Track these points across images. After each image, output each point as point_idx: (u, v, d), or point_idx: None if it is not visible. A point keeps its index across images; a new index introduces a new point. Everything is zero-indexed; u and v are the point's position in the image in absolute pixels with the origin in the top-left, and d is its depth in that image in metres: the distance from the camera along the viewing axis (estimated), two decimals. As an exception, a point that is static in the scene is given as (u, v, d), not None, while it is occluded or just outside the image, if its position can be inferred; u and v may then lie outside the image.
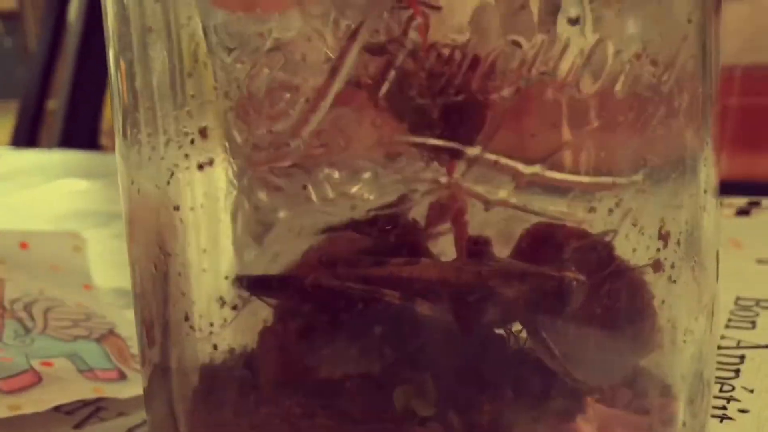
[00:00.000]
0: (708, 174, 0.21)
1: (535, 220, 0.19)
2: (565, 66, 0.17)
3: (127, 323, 0.42)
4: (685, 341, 0.21)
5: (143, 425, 0.36)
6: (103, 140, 1.12)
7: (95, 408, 0.37)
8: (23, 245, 0.48)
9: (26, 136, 1.13)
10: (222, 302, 0.18)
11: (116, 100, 0.20)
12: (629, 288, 0.22)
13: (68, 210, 0.70)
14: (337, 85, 0.17)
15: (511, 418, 0.22)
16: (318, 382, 0.22)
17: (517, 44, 0.17)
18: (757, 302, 0.39)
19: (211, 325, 0.19)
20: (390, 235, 0.23)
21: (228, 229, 0.18)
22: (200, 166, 0.18)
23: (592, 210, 0.19)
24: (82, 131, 1.05)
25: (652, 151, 0.19)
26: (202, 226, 0.18)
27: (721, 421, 0.29)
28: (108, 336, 0.41)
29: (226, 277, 0.18)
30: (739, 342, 0.35)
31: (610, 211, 0.19)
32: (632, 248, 0.19)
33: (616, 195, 0.19)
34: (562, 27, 0.17)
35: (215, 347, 0.19)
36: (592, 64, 0.18)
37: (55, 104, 1.24)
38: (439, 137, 0.17)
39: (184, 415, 0.22)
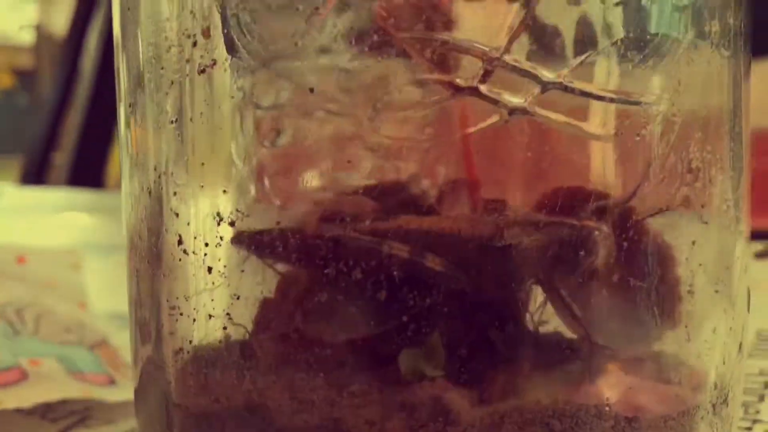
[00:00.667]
0: (738, 114, 0.19)
1: (552, 143, 0.18)
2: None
3: (120, 337, 0.41)
4: (717, 291, 0.19)
5: (131, 434, 0.34)
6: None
7: (82, 416, 0.36)
8: (20, 260, 0.47)
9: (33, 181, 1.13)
10: (219, 219, 0.17)
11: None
12: (652, 249, 0.21)
13: (70, 242, 0.69)
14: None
15: (526, 379, 0.20)
16: (319, 348, 0.21)
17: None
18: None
19: (206, 245, 0.17)
20: (399, 199, 0.22)
21: (228, 140, 0.17)
22: (202, 70, 0.17)
23: (618, 133, 0.18)
24: (88, 175, 1.05)
25: (681, 73, 0.18)
26: (202, 137, 0.17)
27: (748, 440, 0.29)
28: (101, 344, 0.39)
29: (224, 191, 0.17)
30: (761, 370, 0.35)
31: (637, 135, 0.18)
32: (661, 178, 0.18)
33: (643, 116, 0.17)
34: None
35: (209, 270, 0.17)
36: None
37: (61, 158, 1.24)
38: (457, 38, 0.16)
39: (178, 391, 0.20)
